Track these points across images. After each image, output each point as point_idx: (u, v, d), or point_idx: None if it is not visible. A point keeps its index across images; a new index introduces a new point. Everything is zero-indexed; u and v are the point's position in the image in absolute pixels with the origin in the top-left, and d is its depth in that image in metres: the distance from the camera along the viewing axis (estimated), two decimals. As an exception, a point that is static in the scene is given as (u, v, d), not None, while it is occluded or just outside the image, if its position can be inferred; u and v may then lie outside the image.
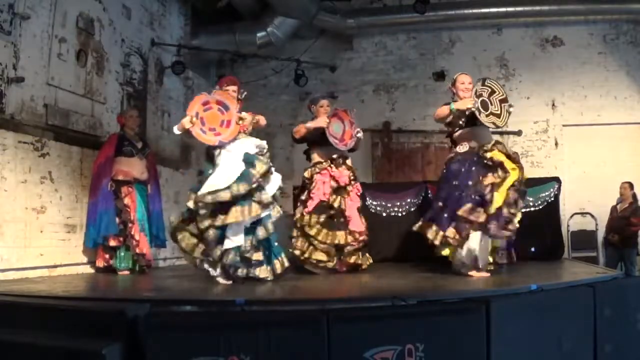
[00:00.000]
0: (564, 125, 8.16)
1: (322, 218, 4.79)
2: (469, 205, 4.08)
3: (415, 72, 8.54)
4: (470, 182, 4.14)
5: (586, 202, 7.82)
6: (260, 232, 4.02)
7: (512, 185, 4.13)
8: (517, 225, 4.17)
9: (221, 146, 4.14)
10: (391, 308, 2.99)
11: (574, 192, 7.66)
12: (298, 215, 4.92)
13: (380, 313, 2.91)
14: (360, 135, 5.13)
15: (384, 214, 6.30)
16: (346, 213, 4.88)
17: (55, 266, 4.96)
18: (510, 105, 4.36)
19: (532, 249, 5.51)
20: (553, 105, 8.18)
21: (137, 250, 5.23)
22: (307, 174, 4.98)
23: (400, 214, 6.28)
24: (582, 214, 7.84)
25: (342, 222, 4.85)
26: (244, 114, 4.21)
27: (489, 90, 4.31)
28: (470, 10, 8.03)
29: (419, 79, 8.50)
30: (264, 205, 3.99)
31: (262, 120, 4.38)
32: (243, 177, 3.94)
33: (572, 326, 3.23)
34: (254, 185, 3.95)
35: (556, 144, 8.17)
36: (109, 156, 5.31)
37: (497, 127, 4.36)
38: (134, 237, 5.23)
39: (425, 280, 4.16)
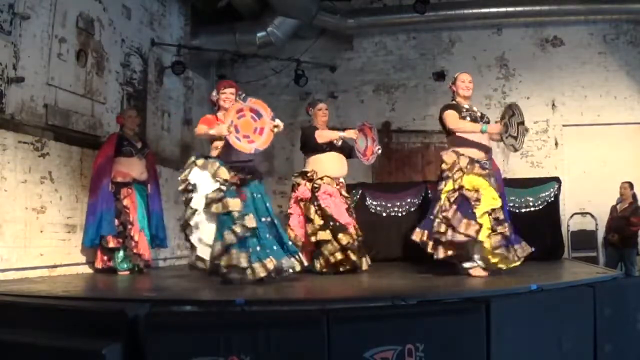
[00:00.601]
0: (564, 125, 8.17)
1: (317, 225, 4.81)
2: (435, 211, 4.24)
3: (415, 72, 8.54)
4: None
5: (586, 202, 7.82)
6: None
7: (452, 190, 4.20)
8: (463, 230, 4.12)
9: (255, 154, 4.20)
10: (391, 308, 2.99)
11: (574, 192, 7.66)
12: (291, 234, 4.85)
13: (380, 313, 2.91)
14: (379, 152, 5.34)
15: (384, 214, 6.30)
16: (333, 215, 4.85)
17: (55, 266, 4.96)
18: (526, 129, 4.46)
19: (532, 249, 5.50)
20: (553, 105, 8.18)
21: (135, 251, 5.23)
22: (309, 186, 4.95)
23: (400, 214, 6.29)
24: (582, 214, 7.84)
25: (339, 225, 4.83)
26: (277, 121, 4.24)
27: (511, 113, 4.37)
28: (470, 10, 8.02)
29: (419, 79, 8.50)
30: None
31: (281, 126, 4.32)
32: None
33: (572, 326, 3.23)
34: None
35: (556, 144, 8.17)
36: (109, 156, 5.31)
37: (515, 150, 4.46)
38: (133, 238, 5.23)
39: (425, 280, 4.17)
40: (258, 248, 4.03)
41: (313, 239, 4.78)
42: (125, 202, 5.28)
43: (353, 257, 4.82)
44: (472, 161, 4.28)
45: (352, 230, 4.90)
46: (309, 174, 4.96)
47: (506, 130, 4.29)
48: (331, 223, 4.79)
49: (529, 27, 8.30)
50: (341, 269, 4.79)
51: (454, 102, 4.54)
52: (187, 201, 4.13)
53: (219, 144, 4.23)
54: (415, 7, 7.30)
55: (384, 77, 8.63)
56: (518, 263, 4.24)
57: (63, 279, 4.65)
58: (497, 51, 8.36)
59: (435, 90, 8.15)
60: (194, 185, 4.10)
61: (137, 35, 6.81)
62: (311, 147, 5.05)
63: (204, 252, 4.04)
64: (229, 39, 8.07)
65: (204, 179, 4.11)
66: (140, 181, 5.46)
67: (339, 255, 4.74)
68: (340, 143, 5.03)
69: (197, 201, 4.07)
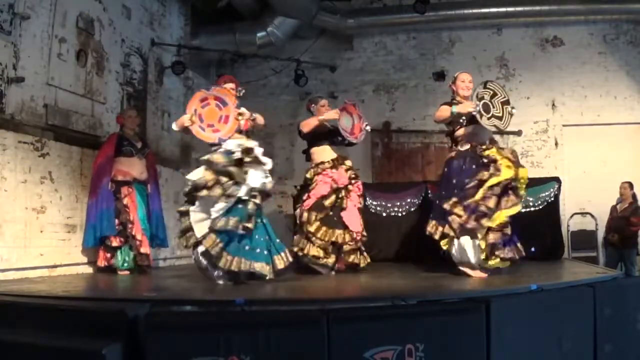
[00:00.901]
0: (564, 125, 8.16)
1: (321, 215, 4.80)
2: (454, 199, 4.15)
3: (415, 72, 8.54)
4: (467, 180, 4.17)
5: (586, 202, 7.82)
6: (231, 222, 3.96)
7: (498, 184, 4.12)
8: (495, 223, 4.13)
9: (219, 143, 4.10)
10: (391, 308, 2.99)
11: (574, 192, 7.66)
12: (298, 212, 4.93)
13: (380, 313, 2.91)
14: (368, 128, 5.16)
15: (384, 214, 6.31)
16: (346, 212, 4.88)
17: (55, 266, 4.96)
18: (512, 108, 4.36)
19: (532, 249, 5.50)
20: (553, 105, 8.18)
21: (141, 250, 5.23)
22: (309, 174, 5.01)
23: (400, 214, 6.29)
24: (582, 214, 7.84)
25: (341, 221, 4.86)
26: (242, 109, 4.19)
27: (491, 92, 4.31)
28: (470, 10, 8.02)
29: (419, 79, 8.50)
30: (227, 196, 3.95)
31: (260, 119, 4.33)
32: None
33: (572, 326, 3.23)
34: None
35: (556, 144, 8.17)
36: (109, 156, 5.31)
37: (499, 129, 4.38)
38: (136, 237, 5.23)
39: (425, 280, 4.17)
40: (247, 247, 4.03)
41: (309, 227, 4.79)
42: (126, 201, 5.28)
43: (361, 262, 4.92)
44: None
45: (355, 235, 4.93)
46: (334, 159, 4.95)
47: (487, 109, 4.21)
48: (335, 219, 4.87)
49: (529, 27, 8.30)
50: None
51: (454, 102, 4.53)
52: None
53: None
54: (415, 7, 7.30)
55: (384, 77, 8.63)
56: (508, 264, 4.26)
57: (63, 279, 4.65)
58: (497, 51, 8.36)
59: (435, 90, 8.14)
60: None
61: (137, 35, 6.81)
62: (307, 140, 5.07)
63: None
64: (229, 39, 8.07)
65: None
66: (141, 181, 5.47)
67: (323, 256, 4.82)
68: (326, 127, 4.96)
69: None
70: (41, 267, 4.81)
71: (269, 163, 4.15)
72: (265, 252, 4.09)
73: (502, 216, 4.14)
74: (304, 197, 4.96)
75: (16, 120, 4.78)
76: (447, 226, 4.19)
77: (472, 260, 4.14)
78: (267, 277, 4.05)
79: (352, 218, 4.92)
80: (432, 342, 2.74)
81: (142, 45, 6.91)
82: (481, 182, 4.12)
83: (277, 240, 4.22)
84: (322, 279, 4.52)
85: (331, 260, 4.81)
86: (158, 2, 7.34)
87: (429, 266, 4.72)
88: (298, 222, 4.94)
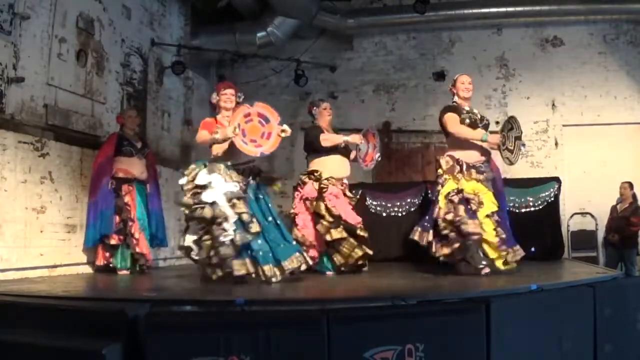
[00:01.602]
0: (564, 125, 8.17)
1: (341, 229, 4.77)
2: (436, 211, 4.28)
3: (415, 72, 8.55)
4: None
5: (586, 202, 7.82)
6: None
7: (448, 194, 4.25)
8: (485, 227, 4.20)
9: (262, 157, 4.22)
10: (391, 308, 2.99)
11: (574, 192, 7.66)
12: (297, 233, 4.88)
13: (380, 313, 2.91)
14: (379, 159, 5.34)
15: (384, 214, 6.30)
16: (342, 216, 4.84)
17: (55, 266, 4.96)
18: (523, 144, 4.46)
19: (532, 249, 5.50)
20: (553, 105, 8.18)
21: (138, 250, 5.23)
22: (316, 185, 4.92)
23: (400, 214, 6.28)
24: (582, 214, 7.84)
25: (349, 226, 4.84)
26: (285, 126, 4.25)
27: (509, 126, 4.39)
28: (470, 10, 8.03)
29: (419, 79, 8.50)
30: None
31: (288, 131, 4.32)
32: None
33: (572, 326, 3.23)
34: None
35: (556, 144, 8.17)
36: (109, 156, 5.31)
37: (511, 163, 4.45)
38: (134, 235, 5.23)
39: (425, 280, 4.17)
40: (261, 253, 4.05)
41: (328, 237, 4.73)
42: (126, 198, 5.29)
43: (368, 251, 4.88)
44: (468, 167, 4.34)
45: (359, 230, 4.89)
46: (316, 174, 4.94)
47: (504, 142, 4.31)
48: (342, 222, 4.80)
49: (529, 27, 8.30)
50: (360, 263, 4.84)
51: (454, 103, 4.54)
52: (195, 201, 4.07)
53: (219, 147, 4.22)
54: (415, 7, 7.30)
55: (384, 77, 8.63)
56: (514, 266, 4.30)
57: (63, 279, 4.65)
58: (497, 51, 8.36)
59: (435, 90, 8.15)
60: (204, 186, 4.08)
61: (137, 35, 6.81)
62: (316, 148, 5.04)
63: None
64: (229, 39, 8.07)
65: (216, 179, 4.10)
66: (141, 180, 5.47)
67: (359, 252, 4.76)
68: (343, 145, 5.02)
69: (212, 196, 4.04)
70: (41, 267, 4.81)
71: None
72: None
73: (488, 202, 4.23)
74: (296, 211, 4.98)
75: (16, 120, 4.78)
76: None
77: (479, 265, 4.18)
78: (274, 281, 4.05)
79: (348, 213, 4.91)
80: (432, 342, 2.74)
81: (142, 45, 6.92)
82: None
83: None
84: (322, 279, 4.52)
85: (359, 250, 4.79)
86: (158, 2, 7.35)
87: (429, 266, 4.71)
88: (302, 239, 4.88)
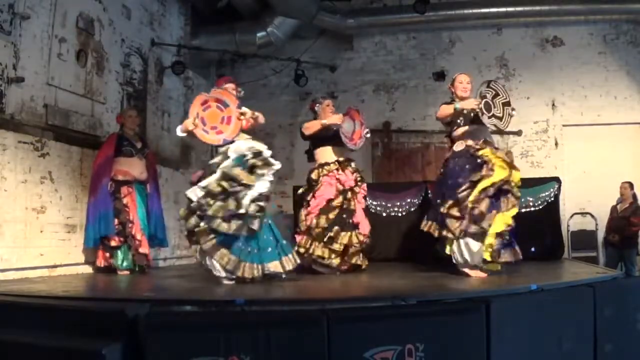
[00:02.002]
0: (564, 125, 8.17)
1: (331, 217, 4.77)
2: (450, 202, 4.16)
3: (415, 72, 8.55)
4: (460, 180, 4.17)
5: (586, 202, 7.82)
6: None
7: (492, 185, 4.12)
8: (498, 226, 4.15)
9: (225, 144, 4.11)
10: (391, 308, 2.99)
11: (574, 192, 7.66)
12: (303, 214, 4.91)
13: (380, 313, 2.91)
14: (368, 135, 5.20)
15: (384, 214, 6.30)
16: (356, 214, 4.89)
17: (55, 266, 4.96)
18: (512, 109, 4.41)
19: (532, 249, 5.51)
20: (553, 105, 8.18)
21: (140, 250, 5.23)
22: (314, 175, 4.94)
23: (400, 214, 6.29)
24: (582, 214, 7.84)
25: (351, 224, 4.85)
26: (244, 109, 4.19)
27: (493, 92, 4.36)
28: (470, 10, 8.03)
29: (419, 79, 8.50)
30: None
31: (261, 118, 4.33)
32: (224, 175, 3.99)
33: (572, 326, 3.23)
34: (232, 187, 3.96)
35: (556, 144, 8.17)
36: (109, 156, 5.30)
37: (498, 129, 4.42)
38: (135, 236, 5.23)
39: (425, 280, 4.17)
40: (256, 250, 4.05)
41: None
42: (125, 200, 5.28)
43: (362, 263, 4.92)
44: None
45: (361, 236, 4.91)
46: (340, 161, 4.93)
47: (488, 109, 4.25)
48: (349, 221, 4.85)
49: (529, 27, 8.30)
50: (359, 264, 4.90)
51: (447, 101, 4.53)
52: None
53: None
54: (415, 7, 7.30)
55: (384, 77, 8.63)
56: (498, 267, 4.28)
57: (63, 279, 4.65)
58: (497, 51, 8.36)
59: (435, 90, 8.15)
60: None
61: (137, 35, 6.81)
62: (313, 140, 5.05)
63: None
64: (229, 39, 8.07)
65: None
66: (141, 181, 5.46)
67: (336, 261, 4.80)
68: (332, 132, 4.96)
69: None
70: (41, 267, 4.81)
71: (277, 165, 4.15)
72: (276, 251, 4.12)
73: (506, 219, 4.16)
74: (309, 198, 4.93)
75: (16, 120, 4.78)
76: (445, 229, 4.19)
77: (473, 261, 4.14)
78: (284, 276, 4.07)
79: (362, 220, 4.95)
80: (432, 342, 2.74)
81: (142, 45, 6.91)
82: (474, 184, 4.12)
83: (284, 242, 4.24)
84: (322, 279, 4.52)
85: (336, 261, 4.79)
86: (158, 2, 7.34)
87: (429, 266, 4.72)
88: (302, 224, 4.89)
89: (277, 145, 8.27)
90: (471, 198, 4.08)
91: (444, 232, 4.20)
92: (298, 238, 4.88)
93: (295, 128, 8.54)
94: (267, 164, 4.10)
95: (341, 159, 4.99)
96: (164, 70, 7.39)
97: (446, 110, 4.38)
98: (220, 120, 4.14)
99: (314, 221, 4.78)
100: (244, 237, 4.02)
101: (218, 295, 3.58)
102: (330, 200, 4.81)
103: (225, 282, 4.02)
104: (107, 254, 5.23)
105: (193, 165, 7.53)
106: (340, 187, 4.86)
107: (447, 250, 4.27)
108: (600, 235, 7.64)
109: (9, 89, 4.71)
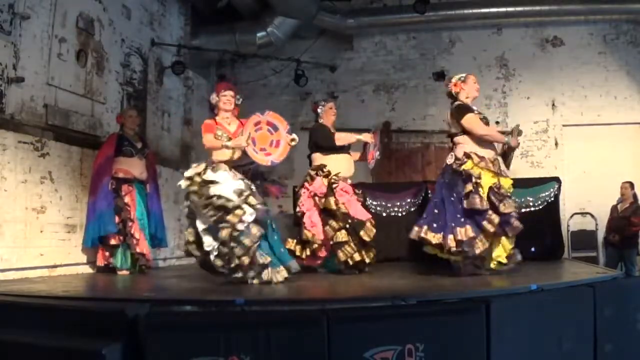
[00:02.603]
0: (564, 125, 8.16)
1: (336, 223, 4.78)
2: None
3: (415, 72, 8.54)
4: (454, 195, 4.22)
5: (586, 202, 7.82)
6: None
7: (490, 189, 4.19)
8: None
9: (272, 166, 4.27)
10: (391, 308, 2.99)
11: (574, 192, 7.66)
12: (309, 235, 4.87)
13: (380, 313, 2.91)
14: (379, 157, 5.32)
15: (384, 214, 6.30)
16: (350, 213, 4.87)
17: (55, 266, 4.96)
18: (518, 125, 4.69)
19: (532, 249, 5.51)
20: (553, 105, 8.18)
21: (138, 250, 5.23)
22: (326, 182, 4.92)
23: (400, 214, 6.28)
24: (582, 214, 7.84)
25: (357, 222, 4.86)
26: (294, 135, 4.29)
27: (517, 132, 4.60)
28: (470, 10, 8.03)
29: (419, 79, 8.50)
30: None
31: (297, 140, 4.34)
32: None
33: (572, 326, 3.23)
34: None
35: (556, 144, 8.17)
36: (109, 156, 5.31)
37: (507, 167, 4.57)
38: (134, 235, 5.23)
39: (425, 280, 4.17)
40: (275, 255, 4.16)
41: (334, 239, 4.75)
42: (126, 199, 5.29)
43: (366, 258, 4.89)
44: (491, 164, 4.33)
45: (369, 225, 4.91)
46: (325, 169, 4.95)
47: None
48: (349, 221, 4.81)
49: (529, 27, 8.30)
50: (358, 265, 4.84)
51: (465, 103, 4.48)
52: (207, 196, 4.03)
53: (221, 154, 4.20)
54: (415, 7, 7.30)
55: (384, 77, 8.62)
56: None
57: (63, 279, 4.65)
58: (497, 51, 8.36)
59: (435, 90, 8.14)
60: (212, 181, 4.07)
61: (137, 35, 6.81)
62: (325, 146, 5.04)
63: None
64: (229, 39, 8.07)
65: (223, 176, 4.10)
66: (141, 180, 5.47)
67: (357, 257, 4.76)
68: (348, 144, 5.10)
69: (223, 190, 4.02)
70: (41, 267, 4.81)
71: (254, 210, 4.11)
72: (282, 250, 4.25)
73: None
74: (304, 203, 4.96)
75: (16, 120, 4.78)
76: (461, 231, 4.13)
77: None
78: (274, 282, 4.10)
79: (358, 209, 4.94)
80: (432, 342, 2.74)
81: (142, 45, 6.92)
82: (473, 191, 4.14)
83: (282, 250, 4.29)
84: (322, 279, 4.52)
85: (358, 256, 4.79)
86: (158, 2, 7.34)
87: (429, 266, 4.71)
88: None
89: (277, 145, 8.27)
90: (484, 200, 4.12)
91: (460, 236, 4.13)
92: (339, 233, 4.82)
93: (296, 128, 8.45)
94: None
95: (348, 166, 5.09)
96: (164, 70, 7.39)
97: (497, 137, 4.46)
98: (269, 143, 4.25)
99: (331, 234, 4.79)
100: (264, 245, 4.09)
101: (218, 295, 3.58)
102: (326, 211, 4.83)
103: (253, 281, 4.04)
104: (107, 253, 5.24)
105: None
106: (316, 199, 4.88)
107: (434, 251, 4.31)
108: (600, 235, 7.63)
109: (9, 89, 4.71)
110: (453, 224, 4.13)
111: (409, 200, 6.29)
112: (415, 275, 4.52)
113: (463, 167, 4.23)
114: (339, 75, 8.69)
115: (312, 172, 5.00)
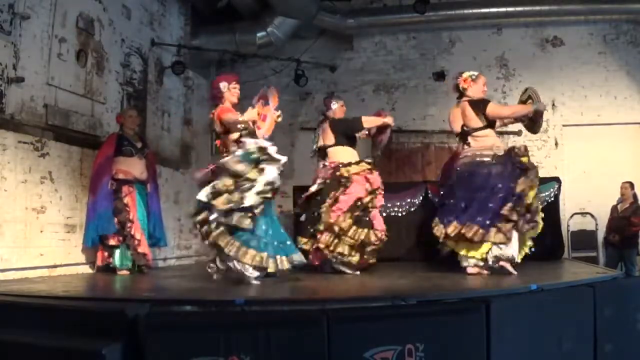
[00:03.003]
0: (564, 125, 8.16)
1: (355, 214, 4.82)
2: (509, 204, 4.15)
3: (415, 72, 8.54)
4: (511, 184, 4.21)
5: (586, 202, 7.82)
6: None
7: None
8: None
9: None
10: (391, 308, 2.99)
11: (574, 192, 7.65)
12: (325, 210, 4.87)
13: (380, 313, 2.92)
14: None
15: (384, 214, 6.25)
16: (373, 213, 4.94)
17: (55, 266, 4.96)
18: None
19: (532, 249, 5.50)
20: (553, 105, 8.17)
21: (139, 250, 5.23)
22: (343, 172, 4.93)
23: (400, 214, 6.29)
24: (582, 214, 7.83)
25: (368, 221, 4.90)
26: (279, 112, 4.38)
27: (527, 96, 4.61)
28: (470, 10, 8.02)
29: (419, 79, 8.49)
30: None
31: (281, 116, 4.48)
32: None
33: (572, 326, 3.23)
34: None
35: (556, 144, 8.17)
36: (109, 156, 5.30)
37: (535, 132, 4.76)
38: (135, 236, 5.23)
39: (425, 280, 4.17)
40: (281, 245, 4.17)
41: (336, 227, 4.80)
42: (126, 200, 5.28)
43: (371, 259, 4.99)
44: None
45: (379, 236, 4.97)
46: (369, 162, 5.08)
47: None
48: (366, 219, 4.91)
49: (529, 27, 8.29)
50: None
51: (478, 97, 4.54)
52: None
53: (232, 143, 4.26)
54: (415, 7, 7.30)
55: (384, 77, 8.62)
56: None
57: (63, 279, 4.65)
58: (497, 51, 8.35)
59: (435, 90, 8.15)
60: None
61: (137, 35, 6.81)
62: (354, 134, 5.18)
63: None
64: (229, 39, 8.06)
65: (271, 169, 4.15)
66: (141, 181, 5.47)
67: (356, 257, 4.86)
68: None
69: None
70: (41, 267, 4.81)
71: (283, 159, 4.21)
72: (288, 243, 4.24)
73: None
74: (337, 194, 4.89)
75: (16, 120, 4.78)
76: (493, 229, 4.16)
77: (515, 254, 4.24)
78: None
79: (378, 218, 5.01)
80: (432, 342, 2.74)
81: (142, 45, 6.91)
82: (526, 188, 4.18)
83: (288, 242, 4.29)
84: (322, 279, 4.52)
85: (355, 258, 4.82)
86: (158, 2, 7.34)
87: (429, 266, 4.72)
88: (325, 221, 4.85)
89: (277, 145, 8.21)
90: (531, 200, 4.17)
91: (480, 233, 4.16)
92: (320, 235, 4.85)
93: (296, 128, 8.56)
94: (271, 159, 4.15)
95: (369, 160, 5.12)
96: (164, 70, 7.39)
97: (521, 108, 4.53)
98: (260, 117, 4.32)
99: (340, 218, 4.78)
100: (264, 232, 4.09)
101: (218, 295, 3.58)
102: (359, 199, 4.85)
103: (254, 282, 4.00)
104: (106, 253, 5.23)
105: (193, 165, 7.53)
106: (369, 188, 4.94)
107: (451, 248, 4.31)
108: (600, 235, 7.63)
109: (9, 89, 4.71)
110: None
111: (409, 200, 6.30)
112: (415, 275, 4.52)
113: (522, 159, 4.30)
114: (339, 75, 8.69)
115: (359, 166, 4.99)
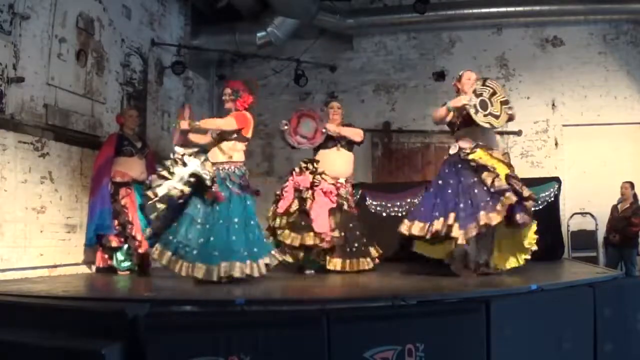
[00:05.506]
0: (564, 125, 8.15)
1: (290, 219, 4.88)
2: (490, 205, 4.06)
3: (415, 72, 8.53)
4: (457, 184, 4.18)
5: (586, 202, 7.81)
6: None
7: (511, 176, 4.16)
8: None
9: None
10: (391, 308, 2.99)
11: (574, 192, 7.65)
12: (270, 214, 5.00)
13: (380, 313, 2.92)
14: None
15: (384, 214, 6.30)
16: (311, 215, 4.87)
17: (55, 266, 4.97)
18: (510, 108, 4.38)
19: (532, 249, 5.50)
20: (553, 105, 8.17)
21: (140, 251, 5.22)
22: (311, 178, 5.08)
23: (400, 214, 6.27)
24: (582, 214, 7.83)
25: (307, 225, 4.85)
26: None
27: (490, 91, 4.32)
28: (470, 10, 8.01)
29: (419, 79, 8.48)
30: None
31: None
32: None
33: (572, 326, 3.23)
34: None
35: (556, 144, 8.16)
36: (109, 156, 5.31)
37: (493, 127, 4.36)
38: (136, 237, 5.22)
39: (425, 280, 4.17)
40: (255, 250, 4.11)
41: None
42: (124, 202, 5.28)
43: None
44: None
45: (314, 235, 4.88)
46: (315, 165, 5.04)
47: (484, 107, 4.23)
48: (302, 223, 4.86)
49: (529, 27, 8.29)
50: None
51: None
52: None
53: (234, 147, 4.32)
54: (415, 7, 7.29)
55: (384, 77, 8.62)
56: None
57: (63, 279, 4.65)
58: (497, 51, 8.35)
59: (435, 90, 8.14)
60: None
61: (137, 35, 6.81)
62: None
63: None
64: (229, 39, 8.06)
65: (193, 163, 4.19)
66: (140, 181, 5.46)
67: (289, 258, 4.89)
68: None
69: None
70: (41, 267, 4.81)
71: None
72: (245, 253, 4.11)
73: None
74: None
75: (16, 120, 4.78)
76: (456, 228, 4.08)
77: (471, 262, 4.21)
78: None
79: (319, 219, 4.89)
80: (432, 342, 2.74)
81: (142, 45, 6.92)
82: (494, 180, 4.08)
83: (265, 241, 4.31)
84: (322, 279, 4.52)
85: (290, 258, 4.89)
86: (158, 2, 7.35)
87: (429, 266, 4.71)
88: (270, 225, 4.97)
89: (277, 145, 8.27)
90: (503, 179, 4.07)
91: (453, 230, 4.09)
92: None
93: (295, 128, 8.54)
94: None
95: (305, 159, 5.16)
96: (164, 70, 7.39)
97: (440, 112, 4.39)
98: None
99: (277, 220, 4.92)
100: (244, 240, 4.07)
101: (218, 295, 3.58)
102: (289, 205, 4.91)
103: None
104: (106, 256, 5.23)
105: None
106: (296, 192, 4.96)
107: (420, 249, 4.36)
108: (601, 235, 7.62)
109: (9, 89, 4.71)
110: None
111: (409, 200, 6.29)
112: (415, 275, 4.52)
113: (471, 156, 4.26)
114: (339, 75, 8.69)
115: (302, 165, 5.09)
